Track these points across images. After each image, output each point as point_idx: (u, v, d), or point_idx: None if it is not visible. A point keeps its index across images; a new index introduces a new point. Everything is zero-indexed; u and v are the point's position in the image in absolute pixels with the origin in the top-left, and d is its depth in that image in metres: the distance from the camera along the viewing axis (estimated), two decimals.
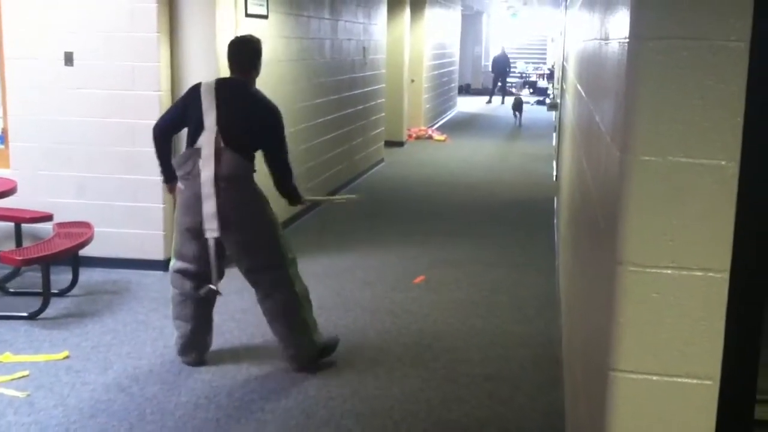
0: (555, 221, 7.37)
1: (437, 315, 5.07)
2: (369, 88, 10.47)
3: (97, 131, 5.67)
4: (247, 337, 4.58)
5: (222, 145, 3.79)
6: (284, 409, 3.73)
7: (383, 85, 11.45)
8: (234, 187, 3.86)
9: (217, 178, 3.79)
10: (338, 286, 5.58)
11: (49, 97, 5.69)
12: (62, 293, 5.18)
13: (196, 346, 4.16)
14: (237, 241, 3.92)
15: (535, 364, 4.32)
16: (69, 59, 5.62)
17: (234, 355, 4.34)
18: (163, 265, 5.73)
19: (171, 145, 4.19)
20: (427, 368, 4.23)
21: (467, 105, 21.54)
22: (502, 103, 22.62)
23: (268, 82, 6.43)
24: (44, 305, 4.82)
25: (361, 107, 10.00)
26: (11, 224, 5.57)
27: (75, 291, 5.24)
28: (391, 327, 4.82)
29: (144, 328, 4.71)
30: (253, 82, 4.03)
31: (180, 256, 4.06)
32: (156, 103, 5.55)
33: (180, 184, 3.97)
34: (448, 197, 9.14)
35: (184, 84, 5.67)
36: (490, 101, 23.00)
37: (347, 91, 9.34)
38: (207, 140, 3.78)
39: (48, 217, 5.52)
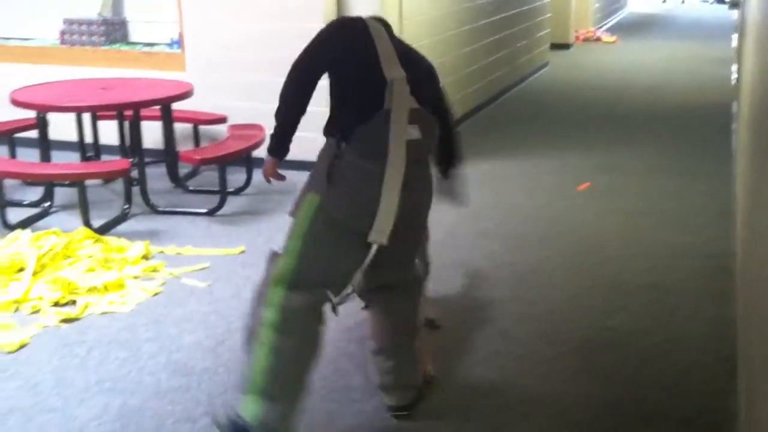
0: (733, 127, 6.93)
1: (601, 223, 4.96)
2: None
3: (265, 36, 5.80)
4: None
5: (415, 105, 2.67)
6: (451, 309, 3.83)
7: None
8: (425, 167, 2.78)
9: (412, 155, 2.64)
10: (498, 192, 5.55)
11: (221, 2, 5.88)
12: (237, 192, 5.46)
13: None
14: (403, 241, 2.74)
15: (704, 275, 4.15)
16: None
17: None
18: None
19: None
20: (590, 276, 4.17)
21: (640, 4, 20.30)
22: (683, 2, 21.14)
23: None
24: (221, 203, 5.11)
25: (525, 8, 9.65)
26: (189, 125, 5.90)
27: (249, 190, 5.51)
28: (551, 234, 4.76)
29: None
30: None
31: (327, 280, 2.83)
32: (320, 7, 5.60)
33: (349, 166, 2.75)
34: (615, 101, 8.76)
35: None
36: (665, 0, 21.57)
37: None
38: (396, 98, 2.63)
39: (222, 120, 5.78)
